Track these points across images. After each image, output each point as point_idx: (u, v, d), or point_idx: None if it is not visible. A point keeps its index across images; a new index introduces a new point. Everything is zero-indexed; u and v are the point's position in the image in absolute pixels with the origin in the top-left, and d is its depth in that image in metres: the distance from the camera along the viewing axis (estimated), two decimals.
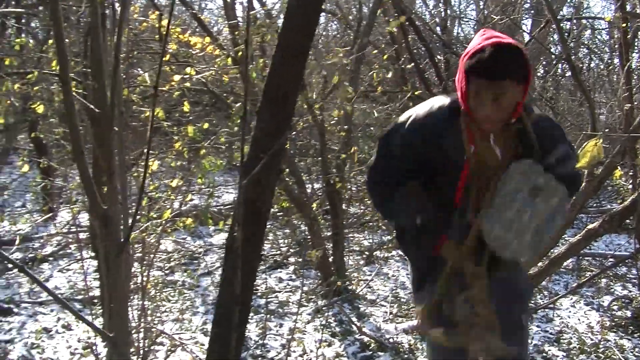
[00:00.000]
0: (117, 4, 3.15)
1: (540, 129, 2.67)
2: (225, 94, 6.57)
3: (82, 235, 6.65)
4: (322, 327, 5.27)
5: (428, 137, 2.64)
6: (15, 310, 5.72)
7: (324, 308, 5.78)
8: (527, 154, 2.65)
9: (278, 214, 7.62)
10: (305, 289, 6.31)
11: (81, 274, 6.37)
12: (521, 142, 2.66)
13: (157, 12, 5.23)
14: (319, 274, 6.43)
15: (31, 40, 7.91)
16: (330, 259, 6.30)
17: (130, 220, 2.41)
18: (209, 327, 5.25)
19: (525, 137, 2.65)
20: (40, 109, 4.77)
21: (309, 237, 6.49)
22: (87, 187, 2.22)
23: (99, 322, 4.28)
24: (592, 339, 5.18)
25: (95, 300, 5.42)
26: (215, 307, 1.82)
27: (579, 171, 2.89)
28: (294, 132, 6.24)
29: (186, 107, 4.98)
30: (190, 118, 5.63)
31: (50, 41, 5.60)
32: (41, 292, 6.05)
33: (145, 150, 4.25)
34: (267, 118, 1.84)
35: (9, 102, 5.12)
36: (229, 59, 5.42)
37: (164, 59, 3.30)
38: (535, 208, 2.59)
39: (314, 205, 6.28)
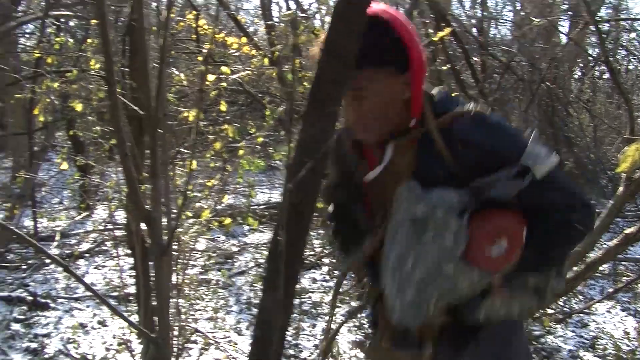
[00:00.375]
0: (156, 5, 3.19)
1: (459, 136, 1.81)
2: (260, 94, 6.60)
3: (118, 233, 6.73)
4: (355, 328, 5.27)
5: (333, 161, 2.10)
6: (52, 305, 5.80)
7: (357, 309, 5.78)
8: (430, 171, 1.84)
9: None
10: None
11: (116, 271, 6.43)
12: (425, 154, 1.86)
13: (194, 12, 5.27)
14: (352, 275, 6.42)
15: (70, 39, 8.03)
16: None
17: (172, 221, 2.43)
18: (242, 326, 5.30)
19: (431, 147, 1.84)
20: (78, 107, 4.83)
21: None
22: (132, 189, 2.25)
23: (134, 320, 4.33)
24: (628, 346, 5.11)
25: (130, 298, 5.49)
26: (257, 310, 1.83)
27: (577, 201, 1.87)
28: None
29: (223, 107, 5.00)
30: (227, 118, 5.67)
31: (89, 40, 5.68)
32: (77, 288, 6.13)
33: (183, 150, 4.30)
34: (313, 121, 1.83)
35: (48, 100, 5.19)
36: (266, 60, 5.45)
37: (202, 59, 3.33)
38: (422, 249, 1.80)
39: None
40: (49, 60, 5.64)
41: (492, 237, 1.79)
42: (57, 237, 6.73)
